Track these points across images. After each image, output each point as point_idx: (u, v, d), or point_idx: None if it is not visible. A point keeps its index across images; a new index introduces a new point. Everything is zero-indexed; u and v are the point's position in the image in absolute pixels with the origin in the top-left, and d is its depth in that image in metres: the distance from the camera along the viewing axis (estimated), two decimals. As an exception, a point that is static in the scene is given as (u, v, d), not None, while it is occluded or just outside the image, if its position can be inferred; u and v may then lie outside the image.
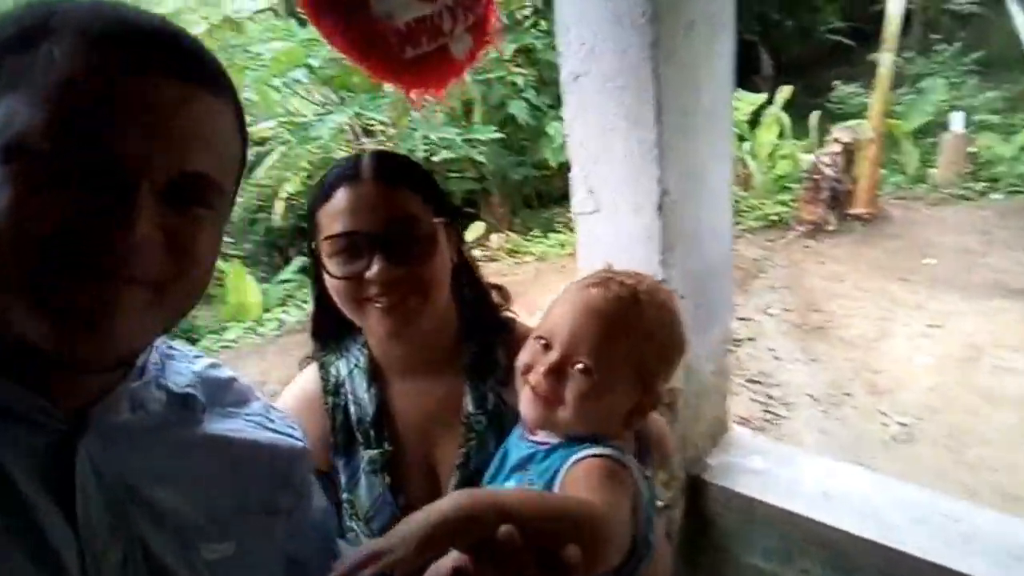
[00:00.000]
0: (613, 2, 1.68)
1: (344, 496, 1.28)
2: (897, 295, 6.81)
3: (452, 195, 9.89)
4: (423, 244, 1.17)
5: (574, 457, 1.02)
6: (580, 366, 1.04)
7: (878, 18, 9.33)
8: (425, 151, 7.91)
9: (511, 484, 1.09)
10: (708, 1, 1.82)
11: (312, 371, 1.36)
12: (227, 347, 7.58)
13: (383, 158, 1.23)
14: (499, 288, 1.40)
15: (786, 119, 11.55)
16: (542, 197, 11.10)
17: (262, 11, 9.02)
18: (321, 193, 1.19)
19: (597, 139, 1.86)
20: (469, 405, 1.26)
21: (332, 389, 1.32)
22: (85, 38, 0.64)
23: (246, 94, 8.80)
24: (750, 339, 6.14)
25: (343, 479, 1.28)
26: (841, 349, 5.90)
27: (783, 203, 10.01)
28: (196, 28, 9.57)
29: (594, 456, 1.01)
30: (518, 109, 8.38)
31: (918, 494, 2.11)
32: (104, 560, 0.71)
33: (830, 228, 8.94)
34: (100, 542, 0.71)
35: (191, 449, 0.83)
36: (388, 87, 8.20)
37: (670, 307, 1.12)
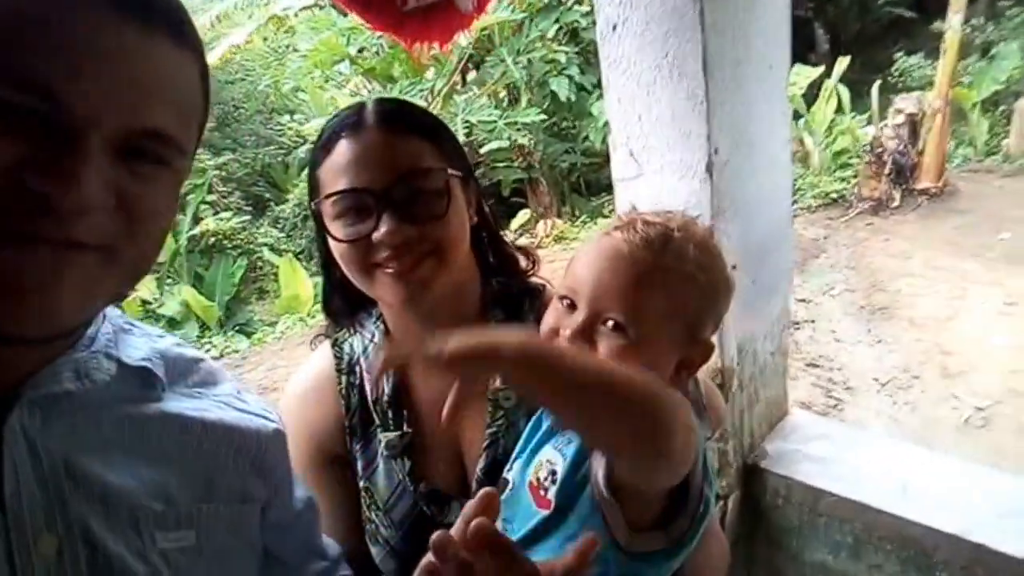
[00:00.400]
0: (652, -63, 1.52)
1: (362, 484, 1.17)
2: (969, 272, 6.41)
3: (500, 185, 9.86)
4: (437, 200, 1.04)
5: None
6: (611, 323, 0.89)
7: (938, -12, 8.80)
8: (467, 137, 7.81)
9: (546, 448, 0.97)
10: (761, -64, 1.64)
11: (324, 350, 1.25)
12: (279, 338, 7.68)
13: (389, 104, 1.10)
14: (526, 250, 1.26)
15: (845, 92, 11.08)
16: (591, 185, 10.95)
17: (308, 7, 9.04)
18: (320, 146, 1.06)
19: (638, 95, 1.70)
20: (496, 380, 1.13)
21: (346, 368, 1.21)
22: None
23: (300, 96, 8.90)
24: (810, 321, 5.88)
25: (360, 465, 1.17)
26: (909, 330, 5.58)
27: (843, 180, 9.62)
28: (246, 28, 9.80)
29: None
30: (560, 86, 8.17)
31: (1006, 483, 1.91)
32: (36, 547, 0.63)
33: (894, 204, 8.52)
34: (31, 527, 0.64)
35: (146, 426, 0.75)
36: (428, 75, 8.16)
37: (709, 243, 0.96)
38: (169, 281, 9.72)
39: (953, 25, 8.39)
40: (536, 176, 9.97)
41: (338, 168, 1.03)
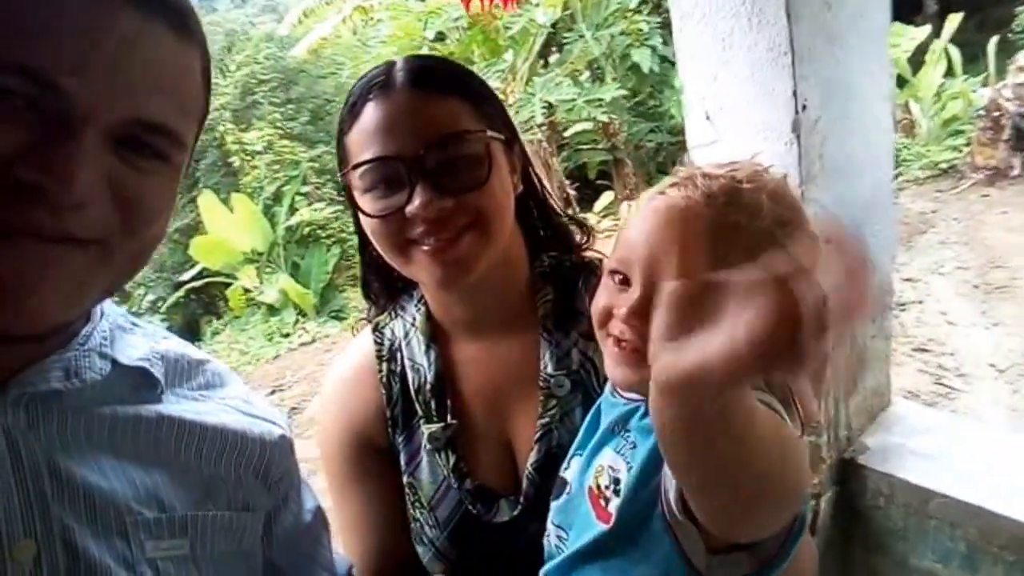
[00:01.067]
0: None
1: (405, 479, 1.10)
2: (1102, 246, 5.80)
3: (585, 168, 9.72)
4: (476, 166, 0.94)
5: None
6: None
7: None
8: (545, 117, 7.68)
9: (607, 451, 0.85)
10: None
11: (365, 336, 1.17)
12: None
13: (420, 61, 1.00)
14: (579, 221, 1.14)
15: (956, 53, 10.23)
16: (677, 165, 10.61)
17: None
18: (348, 112, 0.97)
19: (713, 49, 1.54)
20: (549, 365, 1.03)
21: (387, 355, 1.13)
22: None
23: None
24: (917, 302, 5.48)
25: (404, 459, 1.10)
26: (1031, 311, 5.09)
27: (954, 148, 9.00)
28: (333, 19, 10.04)
29: None
30: (642, 57, 7.89)
31: None
32: (12, 553, 0.60)
33: (1014, 173, 7.85)
34: (7, 531, 0.60)
35: (140, 429, 0.72)
36: (507, 56, 8.08)
37: (787, 192, 0.81)
38: (268, 270, 10.14)
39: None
40: (621, 157, 9.76)
41: (366, 135, 0.93)
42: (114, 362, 0.71)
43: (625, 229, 0.83)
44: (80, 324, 0.70)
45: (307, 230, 10.58)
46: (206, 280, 10.20)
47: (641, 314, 0.76)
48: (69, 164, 0.55)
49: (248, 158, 11.37)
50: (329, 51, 13.67)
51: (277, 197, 11.00)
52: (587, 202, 9.44)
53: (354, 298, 9.91)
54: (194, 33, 0.65)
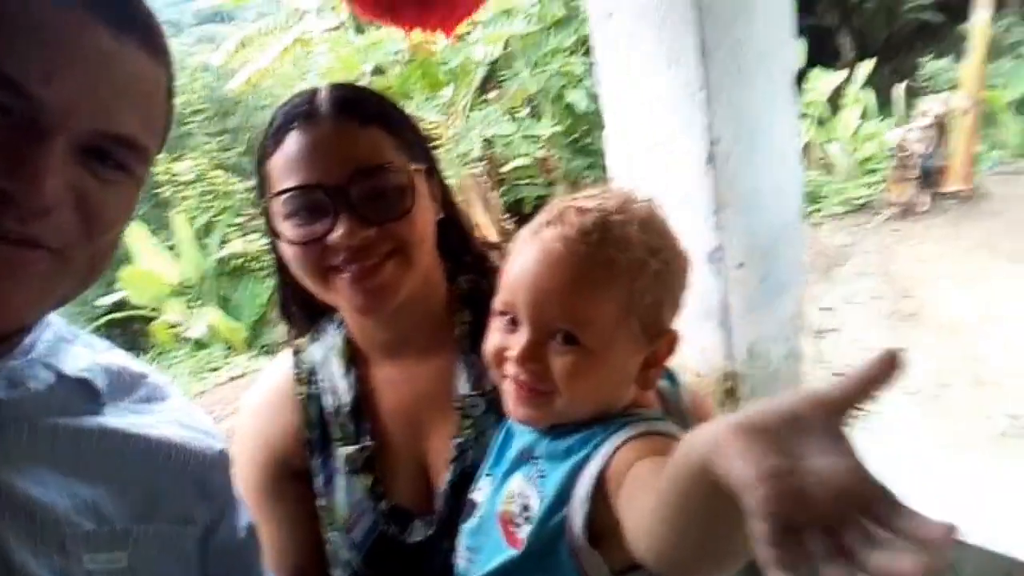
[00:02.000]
0: (641, -83, 1.46)
1: (322, 502, 1.08)
2: (1001, 276, 6.18)
3: (523, 202, 9.85)
4: (399, 197, 0.95)
5: (609, 445, 0.77)
6: (560, 336, 0.79)
7: (969, -8, 8.60)
8: (484, 151, 7.79)
9: (516, 478, 0.87)
10: (758, -84, 1.57)
11: (285, 359, 1.15)
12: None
13: (344, 90, 1.01)
14: (497, 246, 1.18)
15: (870, 97, 10.92)
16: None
17: (333, 29, 9.13)
18: (270, 138, 0.96)
19: (633, 85, 1.63)
20: (463, 386, 1.04)
21: (306, 377, 1.11)
22: None
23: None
24: (834, 330, 5.71)
25: (320, 482, 1.08)
26: (939, 337, 5.38)
27: (869, 185, 9.48)
28: (272, 51, 9.96)
29: (636, 438, 0.77)
30: (577, 97, 8.11)
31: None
32: None
33: (923, 209, 8.34)
34: None
35: (81, 441, 0.70)
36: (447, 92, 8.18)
37: (655, 221, 0.84)
38: (196, 304, 9.81)
39: (979, 21, 8.21)
40: (559, 193, 9.93)
41: (289, 162, 0.93)
42: (58, 373, 0.70)
43: (507, 270, 0.85)
44: (23, 332, 0.69)
45: (239, 262, 10.31)
46: (128, 314, 9.78)
47: (533, 356, 0.80)
48: (38, 171, 0.55)
49: (179, 188, 11.07)
50: (268, 82, 13.57)
51: (209, 228, 10.72)
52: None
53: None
54: (162, 52, 0.66)
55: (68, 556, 0.65)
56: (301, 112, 0.95)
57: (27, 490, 0.64)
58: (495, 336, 0.85)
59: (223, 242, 10.46)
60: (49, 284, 0.61)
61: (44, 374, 0.69)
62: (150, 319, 9.69)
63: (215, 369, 8.69)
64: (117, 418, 0.74)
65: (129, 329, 10.28)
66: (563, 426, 0.84)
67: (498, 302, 0.85)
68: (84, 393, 0.72)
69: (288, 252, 0.97)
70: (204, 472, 0.81)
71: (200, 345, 9.40)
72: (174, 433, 0.79)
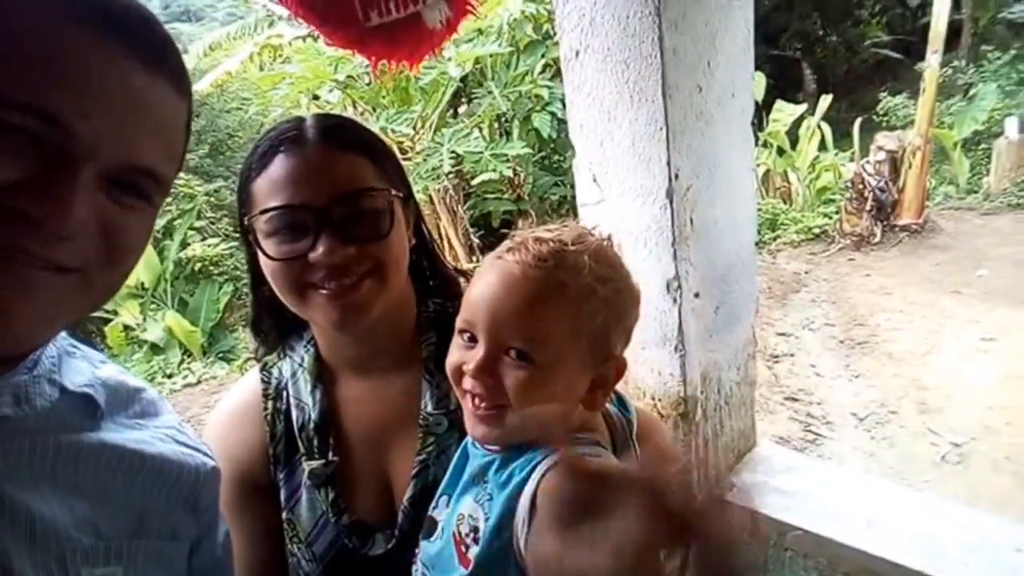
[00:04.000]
0: (611, -36, 1.53)
1: (284, 515, 1.11)
2: (948, 308, 6.44)
3: (491, 216, 9.91)
4: (378, 219, 1.00)
5: (544, 465, 0.83)
6: (513, 352, 0.85)
7: (926, 31, 8.97)
8: (452, 166, 7.84)
9: (467, 499, 0.92)
10: (722, -35, 1.65)
11: (253, 375, 1.19)
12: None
13: (329, 119, 1.06)
14: (464, 273, 1.23)
15: (827, 130, 11.27)
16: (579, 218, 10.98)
17: (302, 37, 9.11)
18: (256, 160, 1.01)
19: (599, 121, 1.69)
20: (429, 405, 1.09)
21: (273, 393, 1.15)
22: (57, 4, 0.60)
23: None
24: (790, 355, 5.86)
25: (283, 495, 1.11)
26: (887, 365, 5.57)
27: (826, 215, 9.73)
28: (241, 55, 9.89)
29: None
30: (541, 123, 8.22)
31: (974, 519, 1.88)
32: None
33: (875, 240, 8.61)
34: None
35: (82, 457, 0.72)
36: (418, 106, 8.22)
37: (607, 252, 0.92)
38: (153, 307, 9.61)
39: (932, 64, 8.56)
40: (526, 208, 10.00)
41: (275, 183, 0.98)
42: (61, 388, 0.72)
43: (469, 291, 0.91)
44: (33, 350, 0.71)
45: (198, 266, 10.11)
46: (80, 315, 9.49)
47: (487, 370, 0.85)
48: (67, 198, 0.58)
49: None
50: (235, 86, 13.43)
51: (168, 230, 10.50)
52: (491, 248, 9.45)
53: (244, 339, 9.51)
54: (186, 87, 0.70)
55: (67, 570, 0.67)
56: (288, 137, 1.00)
57: (29, 504, 0.65)
58: (455, 353, 0.91)
59: (183, 245, 10.29)
60: (66, 307, 0.64)
61: (49, 390, 0.71)
62: (106, 320, 9.47)
63: (170, 375, 8.53)
64: (114, 433, 0.76)
65: (83, 330, 10.02)
66: (513, 449, 0.89)
67: (460, 320, 0.91)
68: (85, 408, 0.74)
69: (269, 268, 1.01)
70: (195, 489, 0.83)
71: (156, 349, 9.20)
72: (169, 449, 0.81)
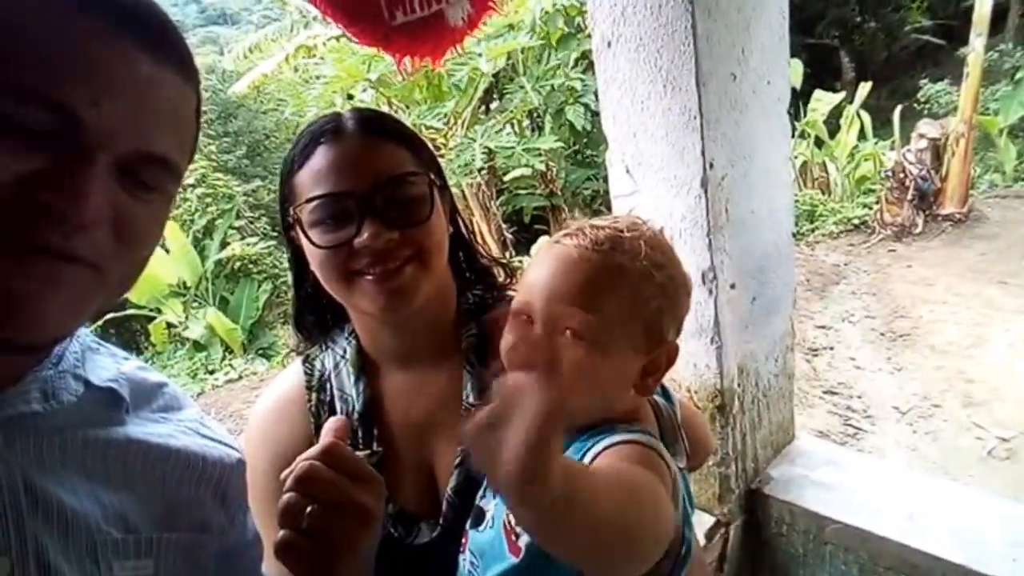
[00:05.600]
0: (643, -47, 1.52)
1: None
2: (995, 299, 6.26)
3: (523, 212, 9.93)
4: (419, 204, 1.01)
5: (595, 450, 0.84)
6: (568, 332, 0.85)
7: (969, 15, 8.70)
8: (485, 161, 7.87)
9: None
10: (755, -48, 1.63)
11: (295, 367, 1.20)
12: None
13: (367, 112, 1.08)
14: (502, 263, 1.24)
15: (867, 118, 11.03)
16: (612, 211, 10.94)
17: (336, 37, 9.22)
18: (299, 154, 1.03)
19: (633, 111, 1.69)
20: (470, 395, 1.09)
21: (316, 385, 1.16)
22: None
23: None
24: (829, 348, 5.76)
25: None
26: (931, 358, 5.44)
27: (865, 206, 9.52)
28: (276, 57, 10.06)
29: (620, 443, 0.83)
30: (575, 115, 8.20)
31: (1017, 513, 1.83)
32: None
33: (917, 230, 8.40)
34: None
35: (109, 451, 0.73)
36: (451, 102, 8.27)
37: (662, 241, 0.93)
38: (195, 305, 9.85)
39: (976, 47, 8.31)
40: (558, 203, 9.99)
41: (317, 174, 1.00)
42: (86, 383, 0.72)
43: (526, 275, 0.92)
44: (56, 344, 0.71)
45: (238, 264, 10.32)
46: (126, 313, 9.81)
47: (542, 348, 0.86)
48: (83, 189, 0.58)
49: (179, 190, 11.10)
50: (271, 87, 13.65)
51: (208, 230, 10.75)
52: (524, 245, 9.57)
53: (283, 335, 9.68)
54: (194, 75, 0.69)
55: (99, 563, 0.68)
56: (328, 129, 1.02)
57: (61, 498, 0.66)
58: (511, 332, 0.91)
59: (223, 244, 10.52)
60: (85, 298, 0.64)
61: (75, 385, 0.71)
62: (149, 319, 9.73)
63: (212, 372, 8.73)
64: (139, 428, 0.77)
65: (127, 328, 10.32)
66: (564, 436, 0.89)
67: (516, 303, 0.92)
68: (110, 403, 0.75)
69: (315, 257, 1.02)
70: (222, 481, 0.83)
71: (198, 346, 9.43)
72: (193, 443, 0.81)
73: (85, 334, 0.78)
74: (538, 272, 0.89)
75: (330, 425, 0.82)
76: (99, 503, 0.70)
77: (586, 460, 0.83)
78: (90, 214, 0.59)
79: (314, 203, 0.99)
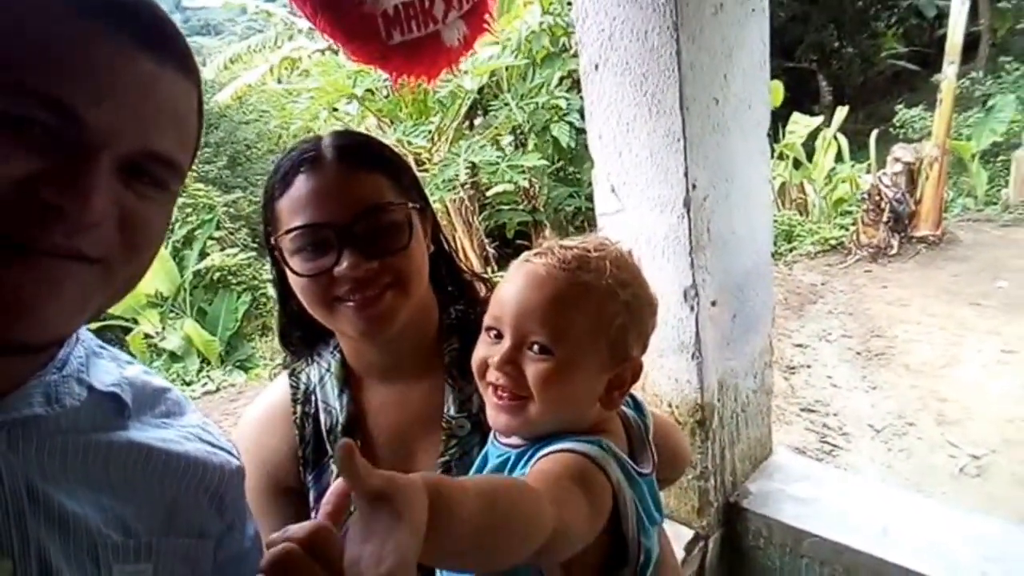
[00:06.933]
0: (630, -19, 1.57)
1: (313, 516, 1.15)
2: (967, 319, 6.39)
3: (505, 227, 9.98)
4: (398, 233, 1.04)
5: (537, 455, 0.89)
6: (536, 346, 0.89)
7: (943, 43, 8.94)
8: (468, 177, 7.92)
9: None
10: (738, -19, 1.69)
11: (281, 380, 1.23)
12: (276, 373, 7.63)
13: (346, 137, 1.09)
14: (483, 278, 1.27)
15: (844, 141, 11.26)
16: (594, 228, 11.01)
17: (321, 51, 9.26)
18: (279, 181, 1.05)
19: (618, 132, 1.74)
20: (451, 408, 1.12)
21: (301, 398, 1.19)
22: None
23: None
24: (806, 366, 5.84)
25: (312, 497, 1.14)
26: (905, 376, 5.53)
27: (842, 227, 9.68)
28: (260, 68, 10.06)
29: (560, 451, 0.87)
30: (560, 132, 8.30)
31: (991, 528, 1.89)
32: None
33: (892, 251, 8.55)
34: None
35: (111, 455, 0.73)
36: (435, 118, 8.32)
37: (627, 261, 0.97)
38: (172, 316, 9.75)
39: (948, 75, 8.53)
40: (540, 219, 10.05)
41: (297, 203, 1.02)
42: (90, 387, 0.73)
43: (497, 291, 0.96)
44: (59, 346, 0.72)
45: (217, 275, 10.24)
46: (104, 323, 9.67)
47: (511, 361, 0.90)
48: (87, 188, 0.59)
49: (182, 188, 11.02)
50: (254, 98, 13.62)
51: (188, 240, 10.66)
52: (506, 260, 9.61)
53: (261, 348, 9.64)
54: (194, 73, 0.70)
55: (99, 566, 0.68)
56: (308, 158, 1.04)
57: (63, 502, 0.67)
58: (481, 348, 0.96)
59: (202, 255, 10.44)
60: (89, 297, 0.64)
61: (78, 390, 0.72)
62: (127, 330, 9.60)
63: (189, 383, 8.64)
64: (141, 432, 0.77)
65: (104, 339, 10.09)
66: (525, 452, 0.93)
67: (487, 318, 0.96)
68: (112, 407, 0.75)
69: (297, 284, 1.05)
70: (221, 487, 0.84)
71: (175, 357, 9.32)
72: (194, 448, 0.81)
73: (89, 338, 0.79)
74: (508, 289, 0.94)
75: (329, 496, 0.72)
76: (100, 506, 0.70)
77: (528, 466, 0.88)
78: (95, 213, 0.60)
79: (294, 233, 1.01)
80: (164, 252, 9.72)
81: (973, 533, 1.86)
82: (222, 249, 10.75)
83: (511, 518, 0.70)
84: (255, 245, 11.80)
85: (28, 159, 0.57)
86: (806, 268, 8.52)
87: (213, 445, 0.85)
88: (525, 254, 0.97)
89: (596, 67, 1.73)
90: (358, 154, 1.06)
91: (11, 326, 0.59)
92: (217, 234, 11.11)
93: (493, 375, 0.92)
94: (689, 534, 1.99)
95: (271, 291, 1.29)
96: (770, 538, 1.99)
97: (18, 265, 0.58)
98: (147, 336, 9.48)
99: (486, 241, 9.55)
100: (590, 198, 10.07)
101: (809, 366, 5.82)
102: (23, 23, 0.58)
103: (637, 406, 1.09)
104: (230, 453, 0.87)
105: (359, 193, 1.02)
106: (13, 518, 0.63)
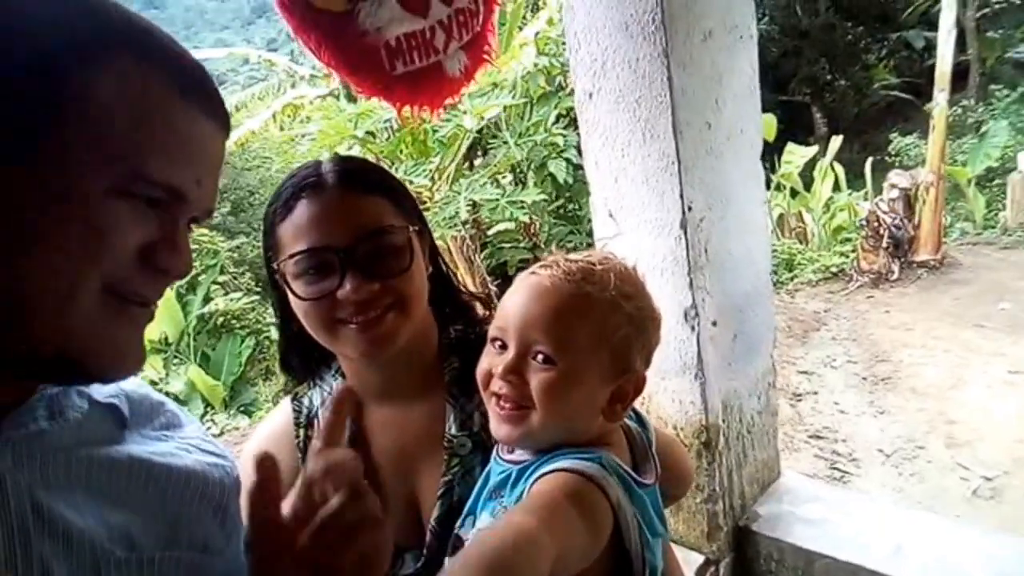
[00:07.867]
0: (621, 11, 1.63)
1: None
2: (972, 342, 6.37)
3: (507, 265, 10.05)
4: (399, 255, 1.06)
5: (537, 473, 0.89)
6: (540, 356, 0.90)
7: (933, 73, 9.11)
8: (469, 214, 7.97)
9: (485, 514, 0.96)
10: (727, 10, 1.75)
11: (284, 405, 1.24)
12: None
13: (346, 162, 1.11)
14: (482, 299, 1.29)
15: (840, 170, 11.37)
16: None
17: (322, 96, 9.42)
18: (281, 206, 1.06)
19: (614, 157, 1.77)
20: (452, 427, 1.12)
21: (304, 421, 1.20)
22: (140, 65, 0.66)
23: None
24: (813, 393, 5.80)
25: None
26: (912, 400, 5.50)
27: (842, 254, 9.72)
28: (263, 115, 10.25)
29: (559, 471, 0.88)
30: (557, 168, 8.39)
31: (1004, 548, 1.87)
32: None
33: (893, 277, 8.57)
34: None
35: (113, 470, 0.73)
36: (433, 158, 8.42)
37: (631, 274, 0.98)
38: (176, 361, 9.74)
39: (939, 102, 8.67)
40: (541, 255, 10.09)
41: (299, 228, 1.03)
42: (90, 399, 0.74)
43: (503, 303, 0.98)
44: None
45: (221, 320, 10.27)
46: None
47: (515, 371, 0.91)
48: (184, 249, 0.68)
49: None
50: (257, 145, 13.82)
51: (192, 286, 10.72)
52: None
53: (265, 391, 9.62)
54: (229, 131, 0.78)
55: None
56: (309, 183, 1.05)
57: (66, 516, 0.67)
58: (485, 359, 0.97)
59: (206, 300, 10.48)
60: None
61: (79, 402, 0.73)
62: (130, 376, 9.57)
63: (193, 428, 8.58)
64: (142, 447, 0.78)
65: (108, 386, 10.14)
66: (527, 467, 0.93)
67: (492, 329, 0.97)
68: (111, 419, 0.76)
69: (300, 307, 1.06)
70: (223, 500, 0.84)
71: (178, 402, 9.22)
72: (194, 461, 0.81)
73: None
74: (513, 300, 0.95)
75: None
76: (103, 521, 0.70)
77: (528, 482, 0.89)
78: (188, 268, 0.69)
79: (297, 257, 1.03)
80: (169, 296, 9.77)
81: (986, 552, 1.84)
82: (226, 294, 10.79)
83: None
84: (259, 290, 11.84)
85: (145, 229, 0.65)
86: (808, 296, 8.53)
87: (214, 454, 0.85)
88: (530, 267, 0.99)
89: (590, 96, 1.78)
90: (358, 178, 1.08)
91: (117, 368, 0.68)
92: (221, 279, 11.16)
93: (497, 384, 0.93)
94: (700, 559, 1.97)
95: (274, 335, 1.30)
96: (782, 561, 1.97)
97: (123, 315, 0.66)
98: (151, 382, 9.45)
99: (488, 279, 9.59)
100: (590, 234, 10.21)
101: (816, 393, 5.79)
102: (144, 110, 0.64)
103: (640, 419, 1.10)
104: (229, 462, 0.88)
105: (360, 216, 1.04)
106: (18, 536, 0.63)
